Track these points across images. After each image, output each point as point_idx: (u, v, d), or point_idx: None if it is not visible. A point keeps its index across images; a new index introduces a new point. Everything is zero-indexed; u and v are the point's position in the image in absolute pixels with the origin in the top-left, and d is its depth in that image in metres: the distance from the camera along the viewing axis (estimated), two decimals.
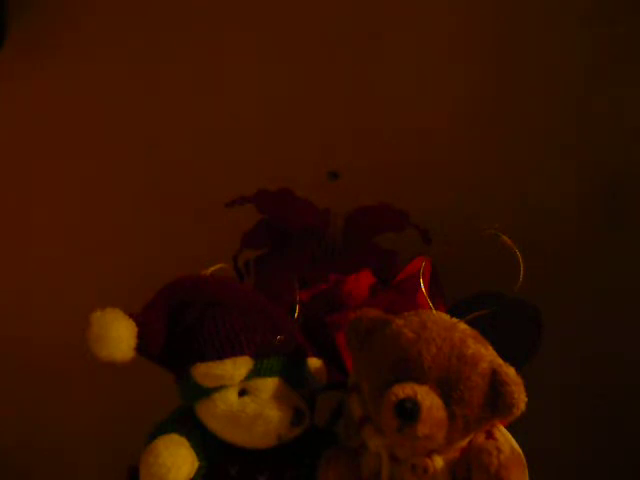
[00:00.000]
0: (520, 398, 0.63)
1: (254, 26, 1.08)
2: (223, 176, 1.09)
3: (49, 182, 1.16)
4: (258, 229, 0.92)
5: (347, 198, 0.91)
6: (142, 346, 0.67)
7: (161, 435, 0.67)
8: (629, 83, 1.01)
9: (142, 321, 0.67)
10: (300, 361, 0.70)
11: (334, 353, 0.78)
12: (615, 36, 1.00)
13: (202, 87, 1.10)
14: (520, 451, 0.67)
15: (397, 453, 0.66)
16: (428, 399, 0.62)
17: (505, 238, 0.69)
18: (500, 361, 0.65)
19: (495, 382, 0.63)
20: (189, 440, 0.68)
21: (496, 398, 0.63)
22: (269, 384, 0.68)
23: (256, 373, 0.68)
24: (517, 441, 0.68)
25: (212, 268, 0.75)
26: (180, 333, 0.70)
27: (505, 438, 0.66)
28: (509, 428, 0.68)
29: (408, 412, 0.61)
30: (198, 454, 0.68)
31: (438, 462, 0.64)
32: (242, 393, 0.68)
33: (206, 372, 0.67)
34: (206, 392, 0.68)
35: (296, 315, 0.76)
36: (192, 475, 0.68)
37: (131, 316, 0.67)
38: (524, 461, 0.67)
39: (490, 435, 0.66)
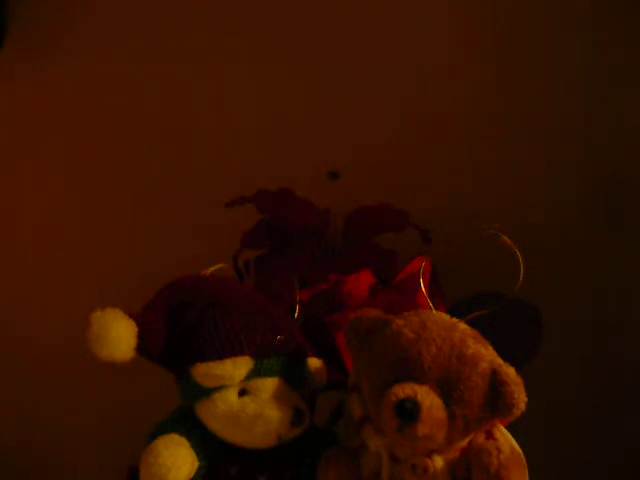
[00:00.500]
0: (520, 398, 0.63)
1: (254, 26, 1.08)
2: (223, 176, 1.09)
3: (49, 182, 1.16)
4: (258, 229, 0.92)
5: (347, 198, 0.91)
6: (142, 346, 0.67)
7: (161, 435, 0.67)
8: (629, 83, 1.01)
9: (142, 321, 0.67)
10: (300, 361, 0.70)
11: (334, 353, 0.78)
12: (615, 36, 1.00)
13: (202, 87, 1.10)
14: (520, 451, 0.67)
15: (397, 453, 0.66)
16: (428, 399, 0.62)
17: (505, 238, 0.69)
18: (500, 361, 0.65)
19: (495, 382, 0.63)
20: (189, 440, 0.68)
21: (496, 398, 0.63)
22: (269, 384, 0.68)
23: (256, 373, 0.68)
24: (517, 441, 0.68)
25: (212, 268, 0.75)
26: (180, 333, 0.70)
27: (505, 438, 0.66)
28: (509, 428, 0.68)
29: (408, 412, 0.61)
30: (198, 454, 0.68)
31: (438, 462, 0.64)
32: (242, 393, 0.68)
33: (206, 372, 0.67)
34: (206, 392, 0.68)
35: (296, 315, 0.76)
36: (192, 475, 0.68)
37: (131, 316, 0.67)
38: (524, 461, 0.67)
39: (490, 435, 0.66)
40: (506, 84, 1.03)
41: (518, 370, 0.64)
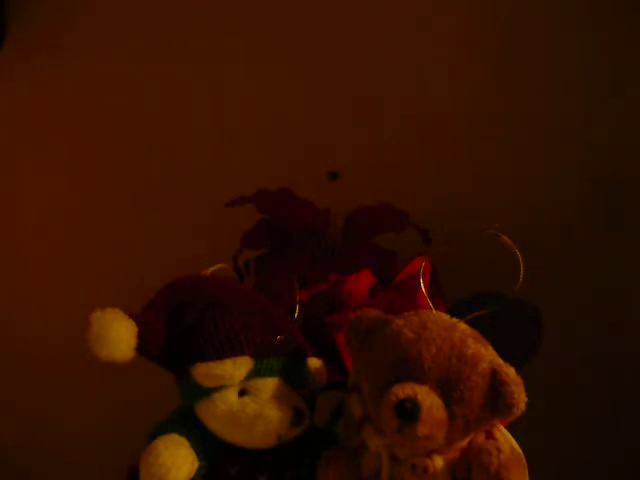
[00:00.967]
0: (520, 398, 0.63)
1: (254, 26, 1.08)
2: (223, 176, 1.09)
3: (49, 182, 1.16)
4: (258, 229, 0.92)
5: (347, 198, 0.91)
6: (142, 346, 0.67)
7: (161, 435, 0.67)
8: (629, 83, 1.01)
9: (142, 321, 0.67)
10: (300, 361, 0.70)
11: (334, 353, 0.78)
12: (615, 36, 1.00)
13: (202, 87, 1.10)
14: (520, 451, 0.67)
15: (397, 453, 0.66)
16: (428, 399, 0.62)
17: (505, 238, 0.69)
18: (500, 361, 0.65)
19: (495, 382, 0.63)
20: (189, 440, 0.68)
21: (496, 398, 0.63)
22: (269, 384, 0.68)
23: (256, 373, 0.68)
24: (517, 441, 0.68)
25: (212, 268, 0.75)
26: (180, 333, 0.70)
27: (505, 438, 0.66)
28: (509, 428, 0.68)
29: (408, 412, 0.61)
30: (198, 454, 0.68)
31: (438, 462, 0.64)
32: (242, 393, 0.68)
33: (206, 372, 0.67)
34: (206, 392, 0.68)
35: (296, 315, 0.76)
36: (192, 475, 0.68)
37: (131, 316, 0.67)
38: (524, 461, 0.67)
39: (490, 435, 0.66)
40: (506, 84, 1.03)
41: (518, 370, 0.64)
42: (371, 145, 1.06)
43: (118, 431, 1.09)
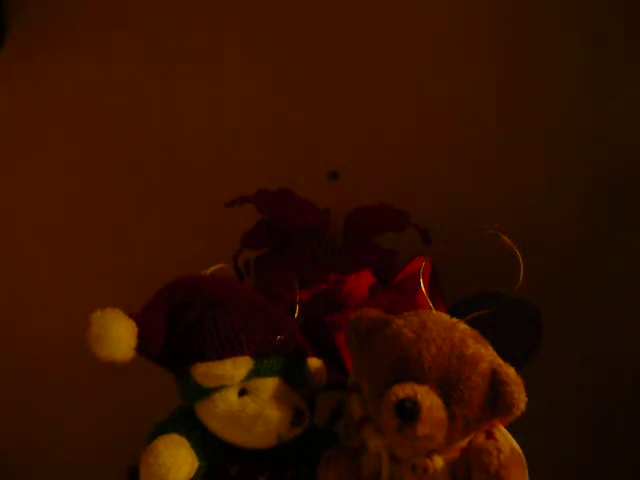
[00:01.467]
0: (520, 398, 0.63)
1: (254, 26, 1.08)
2: (223, 176, 1.09)
3: (49, 182, 1.16)
4: (258, 229, 0.92)
5: (347, 198, 0.91)
6: (142, 346, 0.67)
7: (161, 435, 0.67)
8: (629, 83, 1.01)
9: (142, 321, 0.67)
10: (300, 361, 0.70)
11: (334, 353, 0.78)
12: (615, 36, 1.00)
13: (202, 87, 1.10)
14: (520, 451, 0.67)
15: (397, 453, 0.66)
16: (428, 399, 0.62)
17: (505, 238, 0.69)
18: (500, 361, 0.65)
19: (495, 382, 0.63)
20: (189, 440, 0.68)
21: (496, 398, 0.63)
22: (269, 384, 0.68)
23: (256, 373, 0.68)
24: (517, 441, 0.68)
25: (212, 268, 0.75)
26: (180, 333, 0.70)
27: (505, 438, 0.66)
28: (509, 428, 0.68)
29: (408, 412, 0.61)
30: (198, 454, 0.68)
31: (438, 462, 0.64)
32: (242, 393, 0.68)
33: (206, 372, 0.67)
34: (206, 392, 0.68)
35: (296, 315, 0.76)
36: (192, 475, 0.68)
37: (131, 316, 0.67)
38: (524, 461, 0.67)
39: (490, 435, 0.66)
40: (506, 84, 1.03)
41: (518, 370, 0.64)
42: (371, 145, 1.06)
43: (118, 431, 1.09)
